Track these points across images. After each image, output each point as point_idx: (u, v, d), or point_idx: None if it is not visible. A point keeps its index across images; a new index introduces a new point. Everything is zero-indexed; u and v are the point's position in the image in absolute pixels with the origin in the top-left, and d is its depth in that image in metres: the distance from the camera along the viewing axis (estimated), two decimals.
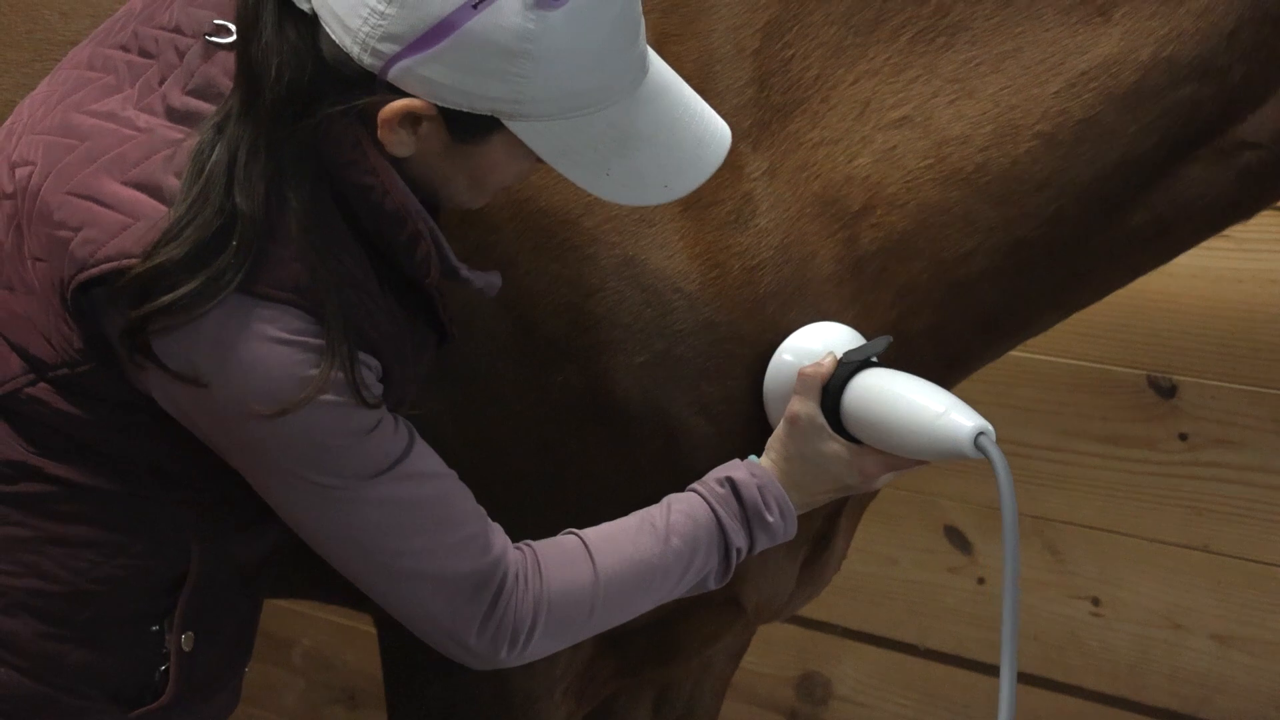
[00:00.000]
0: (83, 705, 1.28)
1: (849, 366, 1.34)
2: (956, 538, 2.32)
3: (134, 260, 1.13)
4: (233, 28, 1.20)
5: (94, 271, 1.15)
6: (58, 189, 1.19)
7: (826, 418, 1.35)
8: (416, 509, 1.23)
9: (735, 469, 1.36)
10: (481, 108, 1.14)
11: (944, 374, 1.48)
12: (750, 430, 1.42)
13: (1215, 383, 2.09)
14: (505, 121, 1.16)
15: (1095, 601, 2.25)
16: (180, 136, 1.18)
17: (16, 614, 1.25)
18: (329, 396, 1.16)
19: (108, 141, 1.20)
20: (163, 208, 1.15)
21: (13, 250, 1.23)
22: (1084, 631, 2.26)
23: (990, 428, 1.27)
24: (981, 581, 2.30)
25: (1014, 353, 2.16)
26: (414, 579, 1.24)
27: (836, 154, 1.38)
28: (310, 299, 1.15)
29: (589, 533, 1.32)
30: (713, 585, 1.36)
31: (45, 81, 1.32)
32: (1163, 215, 1.36)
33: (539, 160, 1.20)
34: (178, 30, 1.25)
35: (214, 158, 1.14)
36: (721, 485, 1.35)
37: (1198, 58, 1.28)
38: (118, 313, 1.16)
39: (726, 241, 1.37)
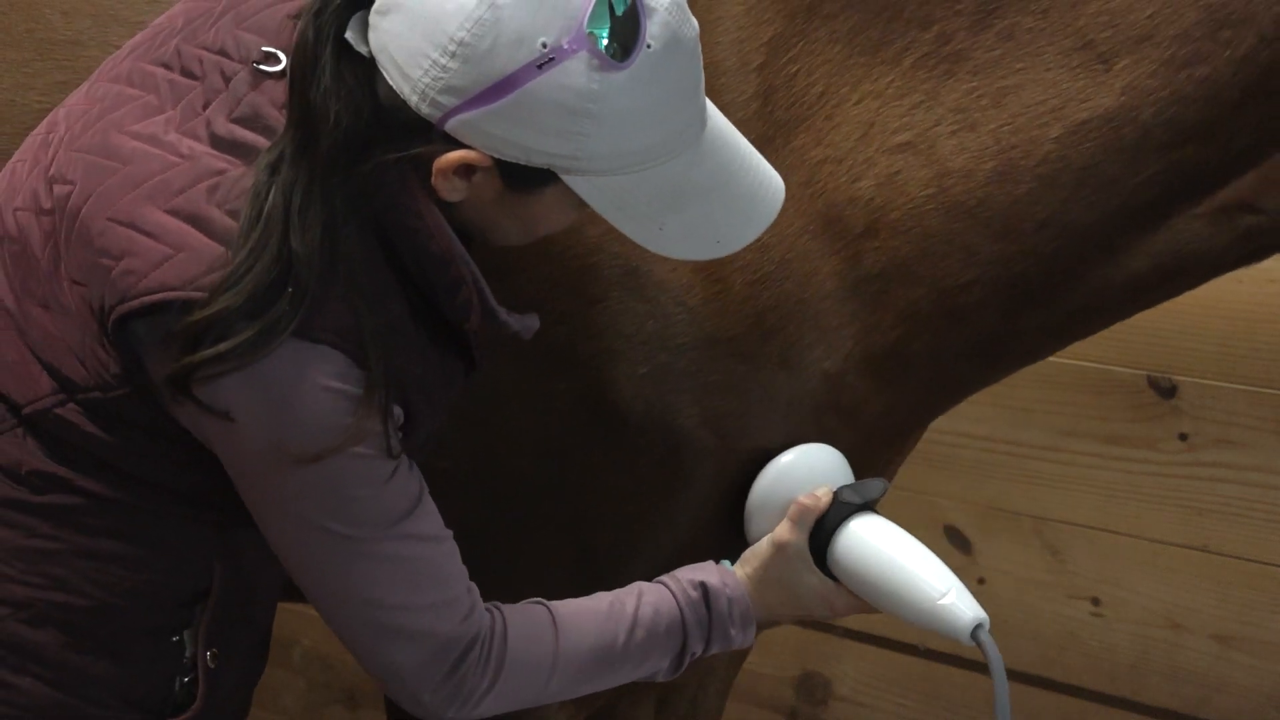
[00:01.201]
0: (103, 715, 1.28)
1: (847, 508, 1.35)
2: (956, 538, 2.32)
3: (176, 293, 1.12)
4: (281, 56, 1.19)
5: (134, 305, 1.14)
6: (99, 214, 1.17)
7: (813, 552, 1.36)
8: (414, 567, 1.23)
9: (710, 574, 1.36)
10: (539, 162, 1.13)
11: (941, 398, 1.49)
12: (751, 444, 1.42)
13: (1215, 383, 2.09)
14: (562, 175, 1.15)
15: (1095, 601, 2.25)
16: (224, 166, 1.17)
17: (42, 625, 1.25)
18: (359, 447, 1.16)
19: (151, 167, 1.18)
20: (205, 239, 1.14)
21: (50, 269, 1.21)
22: (1084, 631, 2.26)
23: (986, 618, 1.30)
24: (981, 581, 2.30)
25: None
26: (391, 633, 1.23)
27: (840, 173, 1.38)
28: (354, 344, 1.14)
29: (559, 608, 1.32)
30: (661, 678, 1.37)
31: (83, 93, 1.30)
32: (1164, 265, 1.36)
33: (589, 208, 1.19)
34: (223, 53, 1.23)
35: (270, 201, 1.12)
36: (695, 589, 1.35)
37: (1201, 123, 1.28)
38: (161, 347, 1.15)
39: (729, 257, 1.38)
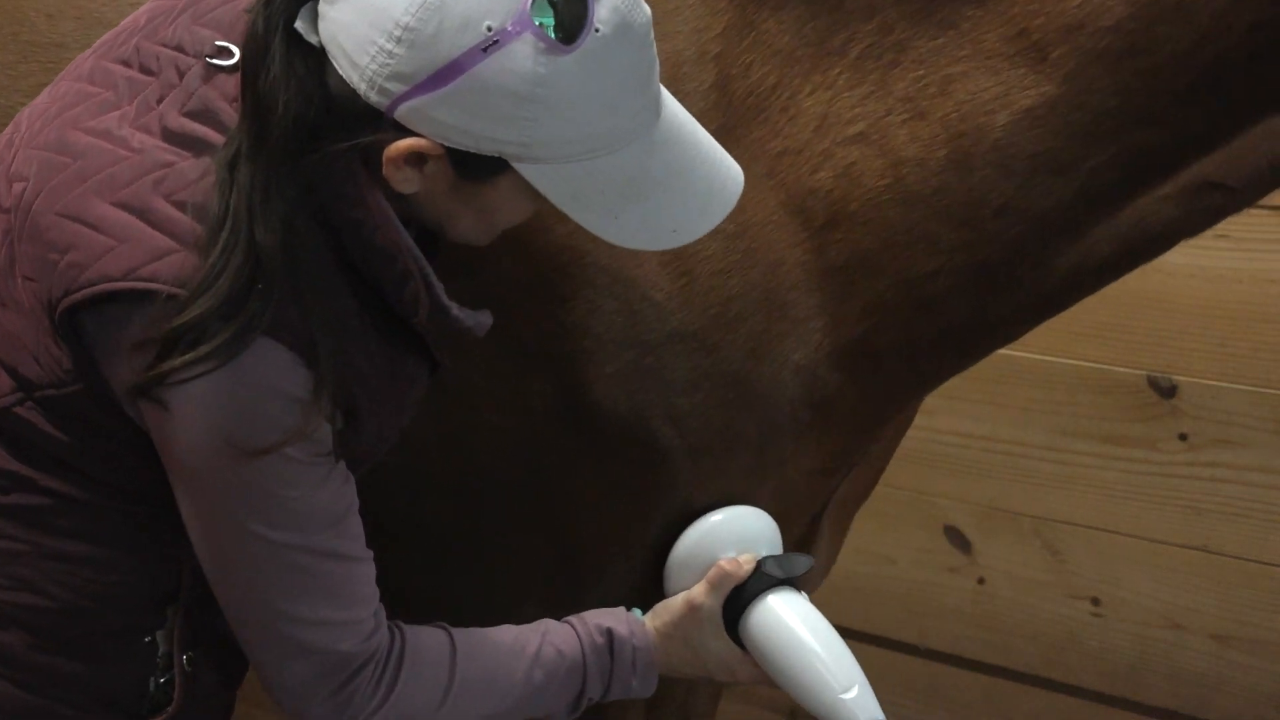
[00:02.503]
0: (76, 715, 1.27)
1: (767, 580, 1.35)
2: (956, 538, 2.32)
3: (118, 283, 1.12)
4: (235, 50, 1.19)
5: (78, 297, 1.13)
6: (48, 208, 1.18)
7: (726, 618, 1.35)
8: (326, 583, 1.22)
9: (619, 622, 1.36)
10: (489, 149, 1.12)
11: (916, 387, 1.48)
12: (719, 442, 1.41)
13: (1215, 383, 2.09)
14: (513, 163, 1.13)
15: (1095, 601, 2.25)
16: (173, 159, 1.17)
17: (7, 627, 1.24)
18: (299, 447, 1.15)
19: (100, 161, 1.18)
20: (149, 229, 1.14)
21: (6, 267, 1.21)
22: (1084, 631, 2.26)
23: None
24: (981, 581, 2.30)
25: (1014, 353, 2.17)
26: (289, 644, 1.22)
27: (799, 165, 1.37)
28: (303, 340, 1.14)
29: (462, 637, 1.32)
30: (557, 719, 1.37)
31: (46, 92, 1.30)
32: (1134, 246, 1.36)
33: (547, 200, 1.19)
34: (179, 49, 1.24)
35: (234, 197, 1.12)
36: (601, 635, 1.35)
37: (1151, 111, 1.28)
38: (117, 343, 1.14)
39: (695, 249, 1.36)
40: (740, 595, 1.35)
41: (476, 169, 1.15)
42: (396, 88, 1.10)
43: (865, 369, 1.41)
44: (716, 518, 1.40)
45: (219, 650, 1.33)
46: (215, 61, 1.21)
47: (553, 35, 1.08)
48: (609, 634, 1.35)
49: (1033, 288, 1.38)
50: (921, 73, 1.33)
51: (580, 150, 1.14)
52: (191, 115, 1.19)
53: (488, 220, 1.23)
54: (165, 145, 1.18)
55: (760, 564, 1.36)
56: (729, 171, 1.24)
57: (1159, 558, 2.18)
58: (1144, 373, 2.13)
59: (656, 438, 1.39)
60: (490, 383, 1.41)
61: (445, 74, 1.09)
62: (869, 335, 1.39)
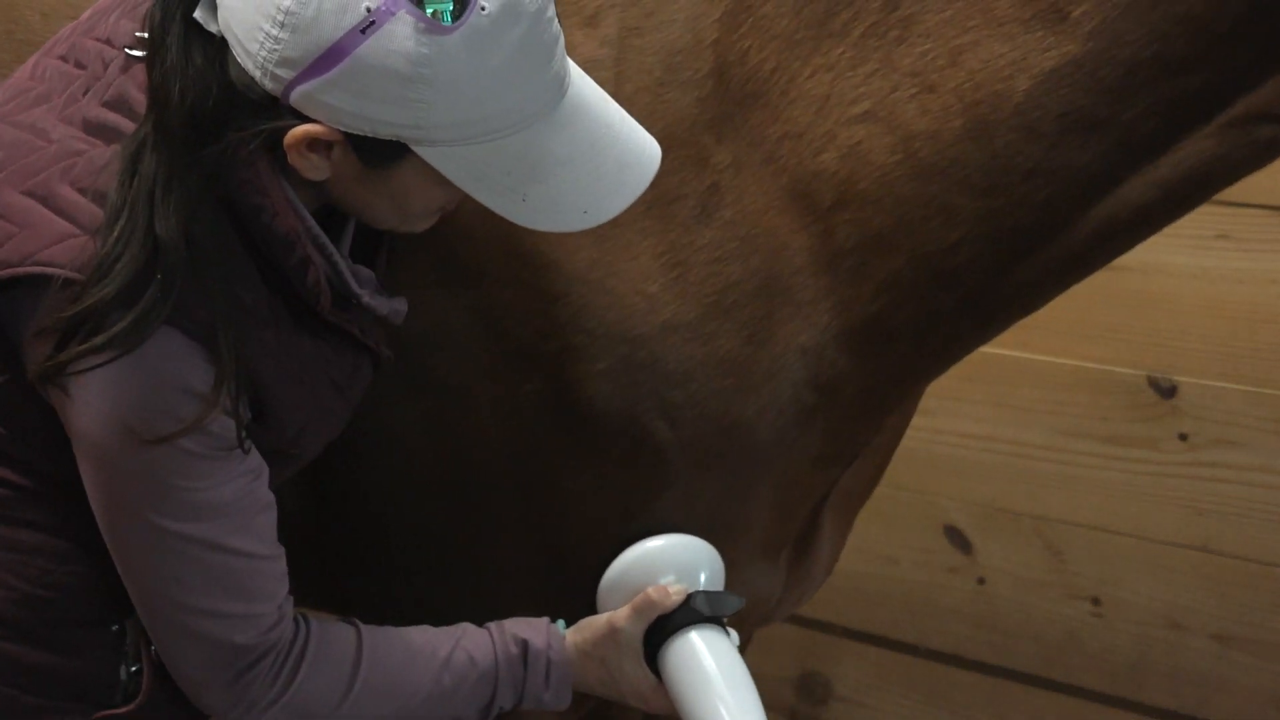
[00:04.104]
0: (43, 704, 1.27)
1: (693, 615, 1.35)
2: (956, 538, 2.32)
3: (13, 269, 1.13)
4: None
5: None
6: None
7: (648, 646, 1.35)
8: (224, 576, 1.22)
9: (537, 634, 1.36)
10: (384, 133, 1.12)
11: (930, 363, 1.46)
12: (714, 431, 1.40)
13: (1215, 383, 2.09)
14: (413, 147, 1.13)
15: (1095, 601, 2.25)
16: (84, 148, 1.18)
17: None
18: (191, 440, 1.16)
19: (19, 152, 1.19)
20: (50, 215, 1.14)
21: None
22: (1084, 631, 2.26)
23: None
24: (981, 581, 2.30)
25: (1014, 353, 2.17)
26: (186, 632, 1.23)
27: (801, 149, 1.36)
28: (206, 332, 1.14)
29: (370, 636, 1.32)
30: None
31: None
32: (1175, 190, 1.32)
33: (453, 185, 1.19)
34: (108, 42, 1.25)
35: (134, 187, 1.13)
36: (516, 645, 1.35)
37: (1191, 53, 1.26)
38: (21, 328, 1.15)
39: (690, 238, 1.36)
40: (664, 626, 1.35)
41: (378, 154, 1.15)
42: (286, 74, 1.10)
43: (877, 348, 1.39)
44: (657, 543, 1.40)
45: None
46: (133, 52, 1.21)
47: (433, 16, 1.08)
48: (524, 645, 1.35)
49: (1064, 247, 1.35)
50: (928, 46, 1.32)
51: (477, 131, 1.14)
52: (108, 105, 1.20)
53: (400, 206, 1.23)
54: (81, 135, 1.19)
55: (690, 598, 1.35)
56: (643, 149, 1.24)
57: (1159, 558, 2.18)
58: (1144, 373, 2.13)
59: (649, 433, 1.39)
60: (480, 383, 1.41)
61: (329, 58, 1.09)
62: (884, 312, 1.38)
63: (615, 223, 1.34)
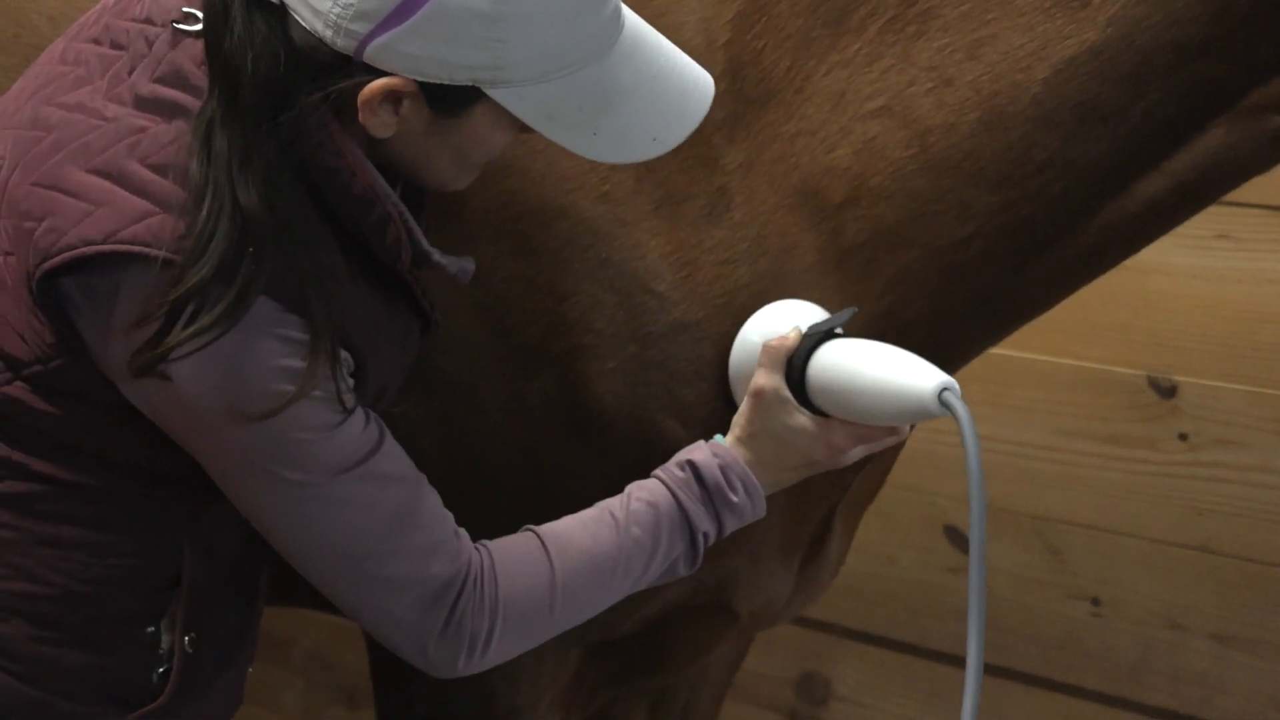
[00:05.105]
0: (78, 709, 1.27)
1: (813, 338, 1.31)
2: (957, 538, 2.32)
3: (97, 246, 1.12)
4: (200, 15, 1.19)
5: (56, 261, 1.13)
6: (24, 180, 1.18)
7: (792, 391, 1.31)
8: (384, 510, 1.20)
9: (697, 451, 1.33)
10: (462, 78, 1.12)
11: (943, 361, 1.46)
12: (725, 430, 1.40)
13: (1215, 383, 2.09)
14: (487, 90, 1.14)
15: (1095, 601, 2.25)
16: (146, 124, 1.17)
17: (8, 618, 1.24)
18: (309, 392, 1.15)
19: (75, 131, 1.19)
20: (126, 194, 1.14)
21: None
22: (1084, 631, 2.26)
23: (954, 383, 1.23)
24: None
25: (1014, 353, 2.17)
26: (374, 584, 1.22)
27: (814, 145, 1.36)
28: (295, 295, 1.14)
29: (546, 529, 1.30)
30: (683, 571, 1.33)
31: (19, 80, 1.31)
32: (1185, 182, 1.32)
33: (522, 129, 1.19)
34: (148, 21, 1.24)
35: (213, 163, 1.12)
36: (682, 469, 1.32)
37: (1210, 40, 1.25)
38: (98, 312, 1.14)
39: (699, 238, 1.36)
40: (794, 365, 1.31)
41: (451, 102, 1.15)
42: (362, 28, 1.10)
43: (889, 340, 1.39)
44: (756, 318, 1.37)
45: (223, 634, 1.33)
46: (182, 27, 1.21)
47: None
48: (689, 465, 1.32)
49: (1076, 244, 1.35)
50: (947, 40, 1.32)
51: (551, 67, 1.14)
52: (161, 80, 1.19)
53: (466, 157, 1.23)
54: (137, 112, 1.18)
55: (804, 332, 1.33)
56: (700, 78, 1.25)
57: (1159, 558, 2.18)
58: (1144, 373, 2.13)
59: (660, 432, 1.39)
60: (489, 383, 1.41)
61: (409, 5, 1.09)
62: (893, 309, 1.38)
63: (623, 221, 1.34)
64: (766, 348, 1.32)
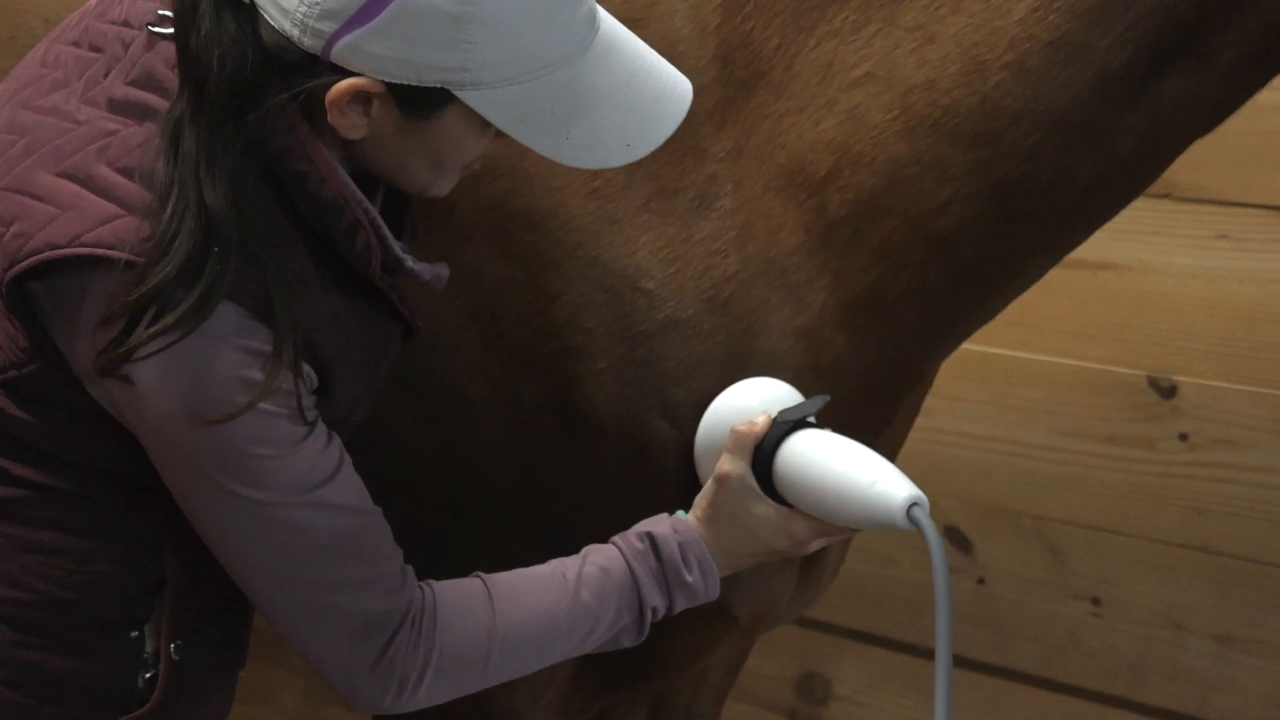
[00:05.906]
0: (64, 714, 1.26)
1: (783, 427, 1.30)
2: (956, 538, 2.32)
3: (61, 250, 1.11)
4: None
5: (22, 266, 1.13)
6: None
7: (758, 478, 1.31)
8: (329, 539, 1.19)
9: (658, 524, 1.32)
10: (431, 79, 1.11)
11: (934, 339, 1.45)
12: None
13: (1215, 383, 2.09)
14: (456, 92, 1.12)
15: (1095, 601, 2.25)
16: (116, 127, 1.17)
17: None
18: (267, 405, 1.14)
19: (46, 135, 1.18)
20: (93, 197, 1.13)
21: None
22: (1084, 631, 2.26)
23: (924, 498, 1.23)
24: (981, 581, 2.30)
25: (1014, 353, 2.17)
26: (312, 611, 1.21)
27: (802, 122, 1.35)
28: (260, 302, 1.13)
29: (496, 579, 1.28)
30: (626, 643, 1.33)
31: (4, 81, 1.31)
32: (1148, 134, 1.31)
33: (497, 133, 1.18)
34: (126, 24, 1.24)
35: (179, 163, 1.12)
36: (641, 540, 1.31)
37: None
38: (65, 314, 1.14)
39: (688, 231, 1.36)
40: (763, 453, 1.30)
41: (421, 103, 1.14)
42: (328, 27, 1.09)
43: (875, 324, 1.38)
44: (726, 395, 1.36)
45: (211, 640, 1.32)
46: (157, 29, 1.20)
47: None
48: (649, 537, 1.31)
49: (1053, 205, 1.34)
50: None
51: (523, 70, 1.13)
52: (135, 83, 1.19)
53: (440, 161, 1.22)
54: (110, 115, 1.18)
55: (774, 418, 1.32)
56: (675, 80, 1.23)
57: (1159, 558, 2.18)
58: (1144, 373, 2.13)
59: (651, 432, 1.38)
60: (478, 385, 1.41)
61: (375, 4, 1.08)
62: (879, 284, 1.37)
63: (613, 219, 1.33)
64: (734, 433, 1.32)
